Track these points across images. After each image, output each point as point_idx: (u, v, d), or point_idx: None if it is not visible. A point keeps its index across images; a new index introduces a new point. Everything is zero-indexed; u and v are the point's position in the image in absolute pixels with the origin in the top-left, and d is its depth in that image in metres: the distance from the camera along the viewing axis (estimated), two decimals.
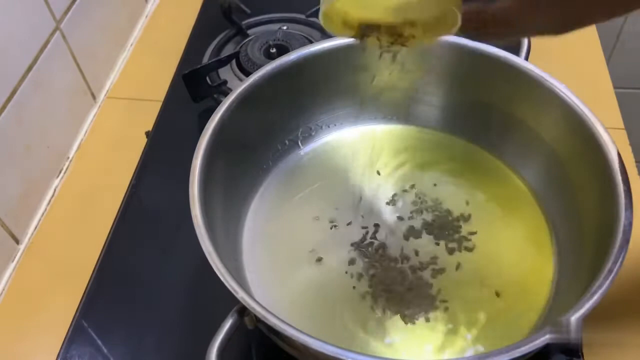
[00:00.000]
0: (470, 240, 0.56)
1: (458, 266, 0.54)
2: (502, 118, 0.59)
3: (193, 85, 0.69)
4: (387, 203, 0.59)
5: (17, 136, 0.61)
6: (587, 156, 0.51)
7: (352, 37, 0.44)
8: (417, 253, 0.55)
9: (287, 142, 0.62)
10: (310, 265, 0.55)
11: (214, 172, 0.51)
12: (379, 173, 0.61)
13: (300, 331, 0.40)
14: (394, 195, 0.59)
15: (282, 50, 0.74)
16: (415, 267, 0.54)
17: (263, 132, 0.59)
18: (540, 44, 0.64)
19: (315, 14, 0.80)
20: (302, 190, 0.60)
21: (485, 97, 0.59)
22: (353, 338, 0.50)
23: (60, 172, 0.69)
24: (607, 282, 0.41)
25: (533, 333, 0.44)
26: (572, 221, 0.53)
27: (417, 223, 0.57)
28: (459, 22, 0.38)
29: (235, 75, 0.74)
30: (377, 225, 0.57)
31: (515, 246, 0.55)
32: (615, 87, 0.75)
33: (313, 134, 0.64)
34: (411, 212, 0.58)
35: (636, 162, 0.68)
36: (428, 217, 0.58)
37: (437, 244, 0.56)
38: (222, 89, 0.72)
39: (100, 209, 0.65)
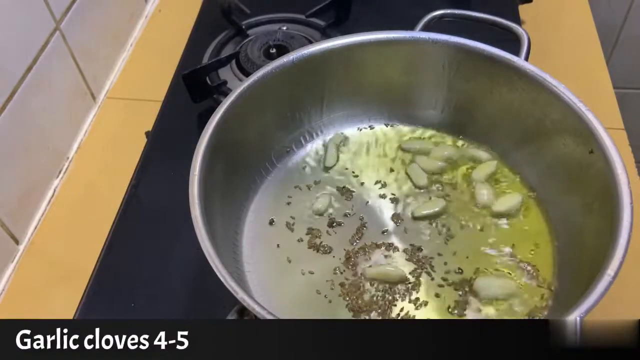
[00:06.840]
0: None
1: (459, 266, 0.54)
2: (501, 118, 0.59)
3: (193, 86, 0.69)
4: (387, 201, 0.59)
5: (17, 136, 0.61)
6: (587, 156, 0.51)
7: None
8: (416, 253, 0.55)
9: (287, 142, 0.62)
10: (310, 265, 0.55)
11: (214, 172, 0.51)
12: (378, 173, 0.61)
13: None
14: (394, 195, 0.59)
15: (282, 50, 0.74)
16: (413, 266, 0.54)
17: (263, 132, 0.59)
18: (540, 44, 0.64)
19: (315, 14, 0.80)
20: (302, 191, 0.60)
21: (485, 97, 0.59)
22: None
23: (60, 172, 0.69)
24: (607, 282, 0.41)
25: None
26: (572, 221, 0.53)
27: (417, 224, 0.57)
28: None
29: (235, 75, 0.74)
30: (376, 225, 0.57)
31: (515, 246, 0.55)
32: (615, 87, 0.75)
33: (313, 134, 0.64)
34: (411, 213, 0.58)
35: (636, 162, 0.68)
36: (428, 217, 0.57)
37: (438, 245, 0.56)
38: (222, 89, 0.72)
39: (100, 209, 0.65)
